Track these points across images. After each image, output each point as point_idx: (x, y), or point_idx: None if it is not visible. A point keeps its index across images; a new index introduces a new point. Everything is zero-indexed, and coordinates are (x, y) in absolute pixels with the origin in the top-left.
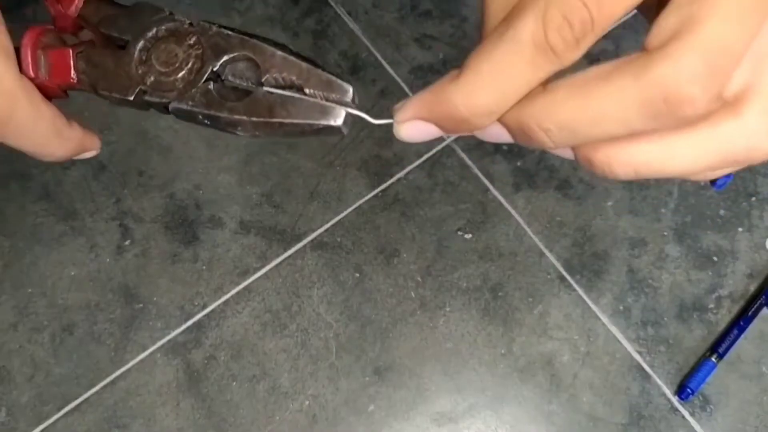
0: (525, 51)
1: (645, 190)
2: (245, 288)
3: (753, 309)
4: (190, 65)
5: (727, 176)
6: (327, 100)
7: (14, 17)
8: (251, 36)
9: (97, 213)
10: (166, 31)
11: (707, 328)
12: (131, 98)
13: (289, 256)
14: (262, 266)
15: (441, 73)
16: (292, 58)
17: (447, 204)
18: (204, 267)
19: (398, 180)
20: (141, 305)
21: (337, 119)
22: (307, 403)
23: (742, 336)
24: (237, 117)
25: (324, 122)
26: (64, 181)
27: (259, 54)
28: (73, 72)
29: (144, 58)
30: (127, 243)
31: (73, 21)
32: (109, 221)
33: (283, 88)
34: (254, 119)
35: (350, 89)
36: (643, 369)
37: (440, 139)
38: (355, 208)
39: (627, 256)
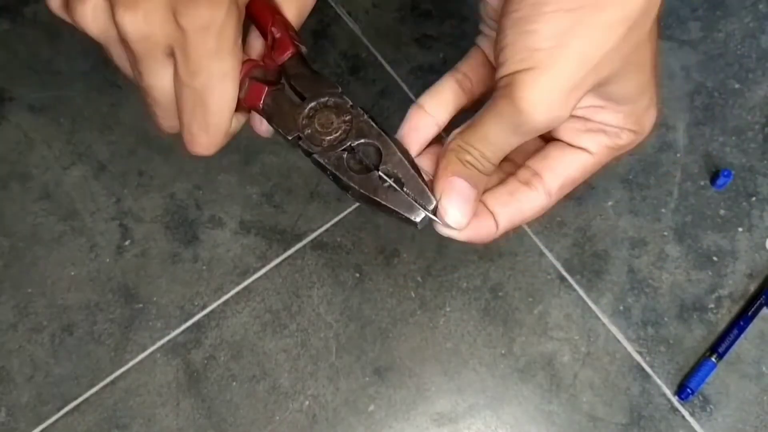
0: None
1: (645, 191)
2: (245, 288)
3: (753, 309)
4: (337, 134)
5: (728, 176)
6: (415, 201)
7: (14, 17)
8: (386, 133)
9: (97, 213)
10: (333, 103)
11: (707, 328)
12: (289, 138)
13: (289, 256)
14: (262, 266)
15: (441, 73)
16: (405, 161)
17: None
18: (204, 267)
19: None
20: (141, 305)
21: (417, 217)
22: (307, 403)
23: (742, 336)
24: (352, 184)
25: (407, 215)
26: (64, 181)
27: (385, 148)
28: (261, 102)
29: (310, 114)
30: (127, 243)
31: (276, 67)
32: (109, 221)
33: (390, 178)
34: (362, 191)
35: (434, 202)
36: (643, 369)
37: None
38: (355, 208)
39: (627, 256)
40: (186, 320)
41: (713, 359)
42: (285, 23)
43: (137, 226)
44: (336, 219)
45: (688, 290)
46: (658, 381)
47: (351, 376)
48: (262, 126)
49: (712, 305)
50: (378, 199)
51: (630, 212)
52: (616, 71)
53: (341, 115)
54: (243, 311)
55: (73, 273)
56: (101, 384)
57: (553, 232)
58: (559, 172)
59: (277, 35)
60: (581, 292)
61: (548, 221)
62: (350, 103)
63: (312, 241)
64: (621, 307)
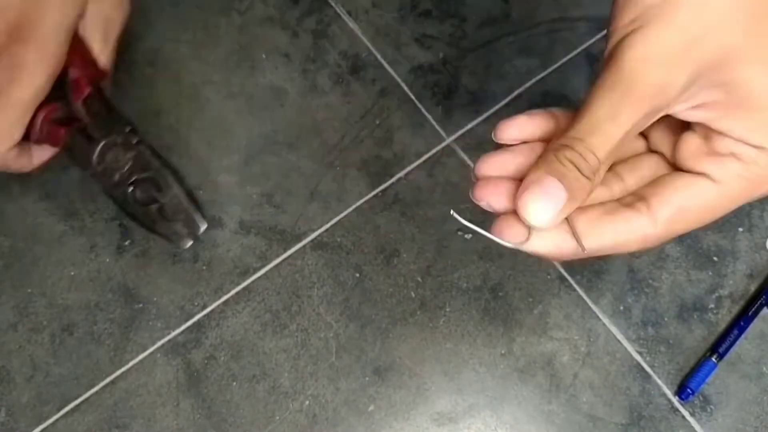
0: None
1: None
2: (245, 288)
3: (753, 309)
4: (125, 170)
5: None
6: (186, 228)
7: None
8: (166, 166)
9: (97, 213)
10: (122, 141)
11: (707, 328)
12: (88, 173)
13: (289, 256)
14: (262, 266)
15: (441, 72)
16: (181, 192)
17: (447, 204)
18: (204, 267)
19: (398, 180)
20: (141, 305)
21: (184, 245)
22: (307, 403)
23: (743, 336)
24: (137, 216)
25: (177, 243)
26: (65, 181)
27: (164, 181)
28: (61, 143)
29: (103, 152)
30: (127, 243)
31: (77, 107)
32: (109, 221)
33: (164, 209)
34: (143, 223)
35: (201, 228)
36: (643, 369)
37: (440, 139)
38: (355, 208)
39: (627, 256)
40: (186, 320)
41: (714, 359)
42: (84, 59)
43: (137, 226)
44: (336, 219)
45: (689, 290)
46: (659, 381)
47: (351, 376)
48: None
49: (712, 305)
50: (156, 231)
51: None
52: (740, 46)
53: (128, 151)
54: (243, 311)
55: (73, 273)
56: (101, 384)
57: None
58: (671, 199)
59: (74, 76)
60: (581, 292)
61: None
62: (136, 139)
63: (312, 241)
64: (621, 307)
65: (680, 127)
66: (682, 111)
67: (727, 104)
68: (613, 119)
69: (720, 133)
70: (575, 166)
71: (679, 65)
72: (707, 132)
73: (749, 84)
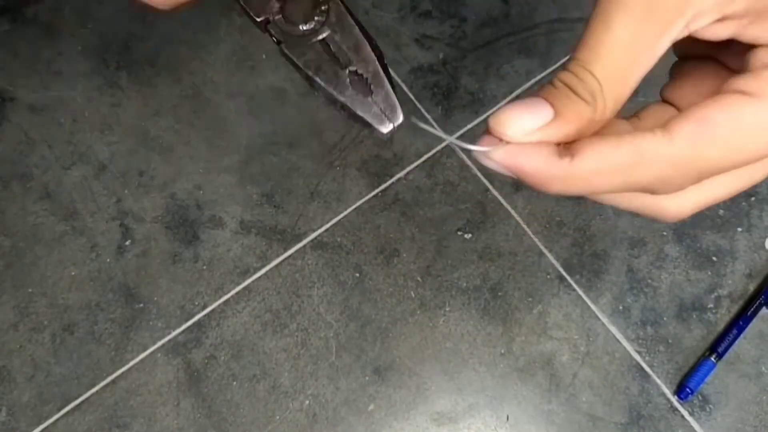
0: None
1: None
2: (245, 288)
3: (752, 309)
4: (311, 24)
5: None
6: (383, 112)
7: (14, 18)
8: (363, 31)
9: (97, 213)
10: None
11: (706, 327)
12: (258, 20)
13: (289, 256)
14: (263, 266)
15: (441, 73)
16: (378, 66)
17: (447, 204)
18: (204, 267)
19: (398, 180)
20: (141, 305)
21: (385, 128)
22: (307, 402)
23: (742, 336)
24: (318, 80)
25: (375, 124)
26: (65, 181)
27: (360, 47)
28: None
29: (284, 0)
30: (127, 243)
31: None
32: (109, 221)
33: (360, 80)
34: (328, 89)
35: (401, 117)
36: (642, 369)
37: (440, 140)
38: (355, 208)
39: (626, 256)
40: (186, 320)
41: (713, 359)
42: None
43: (138, 226)
44: (336, 219)
45: (688, 290)
46: (658, 381)
47: (351, 375)
48: None
49: (711, 305)
50: (344, 101)
51: (629, 212)
52: None
53: (319, 2)
54: (243, 311)
55: (73, 273)
56: (102, 383)
57: (552, 232)
58: (692, 113)
59: None
60: (580, 292)
61: (547, 221)
62: None
63: (312, 241)
64: (620, 307)
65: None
66: (705, 28)
67: (754, 9)
68: (606, 29)
69: (752, 45)
70: (568, 86)
71: None
72: (736, 57)
73: None
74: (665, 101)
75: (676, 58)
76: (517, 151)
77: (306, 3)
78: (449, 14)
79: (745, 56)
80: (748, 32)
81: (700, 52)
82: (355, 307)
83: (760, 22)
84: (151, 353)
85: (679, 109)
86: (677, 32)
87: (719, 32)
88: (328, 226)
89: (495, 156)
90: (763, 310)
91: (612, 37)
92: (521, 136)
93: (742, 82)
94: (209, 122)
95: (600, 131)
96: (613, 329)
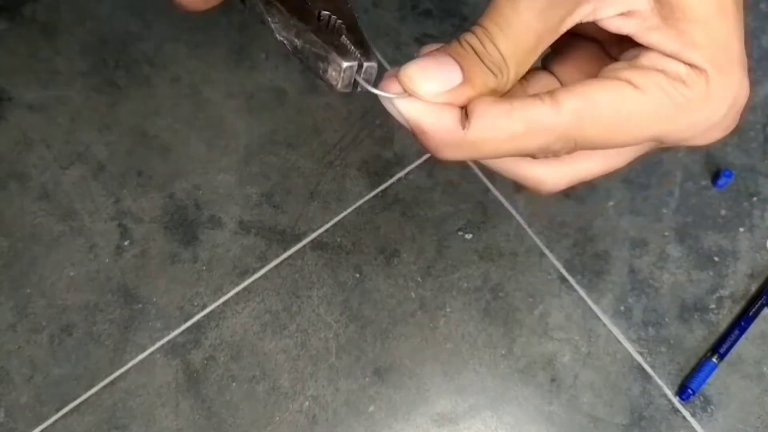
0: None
1: (646, 191)
2: (245, 288)
3: (754, 309)
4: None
5: (729, 176)
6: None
7: (13, 17)
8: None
9: (96, 213)
10: None
11: (708, 328)
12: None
13: (289, 257)
14: (262, 266)
15: None
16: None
17: (447, 204)
18: (203, 267)
19: (398, 180)
20: (140, 306)
21: (345, 62)
22: (306, 403)
23: (743, 336)
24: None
25: (338, 59)
26: (63, 181)
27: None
28: None
29: None
30: (126, 243)
31: None
32: (108, 221)
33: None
34: (293, 23)
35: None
36: (644, 369)
37: None
38: (355, 208)
39: (628, 256)
40: (185, 320)
41: (714, 360)
42: None
43: (136, 226)
44: (336, 219)
45: (689, 290)
46: (659, 381)
47: (351, 376)
48: None
49: (713, 305)
50: (311, 34)
51: (631, 212)
52: None
53: None
54: (243, 311)
55: (72, 273)
56: (100, 384)
57: (553, 232)
58: (581, 90)
59: None
60: (582, 293)
61: (549, 221)
62: None
63: (312, 241)
64: (622, 308)
65: (595, 63)
66: (608, 18)
67: (659, 13)
68: (514, 9)
69: (649, 48)
70: (476, 53)
71: None
72: (632, 55)
73: None
74: (546, 70)
75: None
76: (422, 108)
77: None
78: (449, 13)
79: (633, 52)
80: (648, 37)
81: (586, 33)
82: (355, 307)
83: (661, 30)
84: (150, 354)
85: (560, 82)
86: (581, 17)
87: (621, 27)
88: (328, 226)
89: (400, 106)
90: (765, 310)
91: (519, 19)
92: (430, 96)
93: (629, 72)
94: (208, 122)
95: None
96: (615, 330)
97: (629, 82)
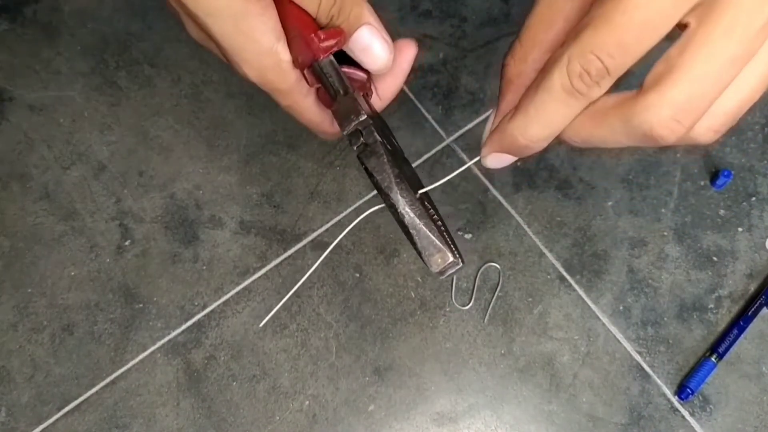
0: (558, 96)
1: (645, 191)
2: (245, 288)
3: (753, 309)
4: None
5: (727, 176)
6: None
7: (14, 17)
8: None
9: (97, 213)
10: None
11: (707, 328)
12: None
13: (289, 256)
14: (262, 266)
15: (441, 73)
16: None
17: (447, 204)
18: (204, 267)
19: None
20: (141, 305)
21: (435, 267)
22: (307, 403)
23: (742, 336)
24: (400, 197)
25: (427, 261)
26: (64, 181)
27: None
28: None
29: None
30: (127, 243)
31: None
32: (109, 221)
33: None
34: (404, 211)
35: (450, 258)
36: (642, 369)
37: (440, 139)
38: (355, 208)
39: (627, 256)
40: (186, 320)
41: (713, 359)
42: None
43: (137, 226)
44: (336, 219)
45: (688, 290)
46: (658, 381)
47: (351, 375)
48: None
49: (711, 305)
50: (414, 230)
51: (630, 212)
52: None
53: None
54: (243, 311)
55: (73, 273)
56: (101, 384)
57: (552, 232)
58: None
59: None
60: (581, 292)
61: (548, 221)
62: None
63: (312, 241)
64: (621, 307)
65: None
66: None
67: None
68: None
69: None
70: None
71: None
72: None
73: None
74: None
75: None
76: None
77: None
78: (449, 14)
79: None
80: None
81: None
82: (355, 307)
83: None
84: (151, 353)
85: None
86: None
87: None
88: (328, 226)
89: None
90: (764, 310)
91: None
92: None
93: None
94: (209, 122)
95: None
96: (614, 329)
97: None
